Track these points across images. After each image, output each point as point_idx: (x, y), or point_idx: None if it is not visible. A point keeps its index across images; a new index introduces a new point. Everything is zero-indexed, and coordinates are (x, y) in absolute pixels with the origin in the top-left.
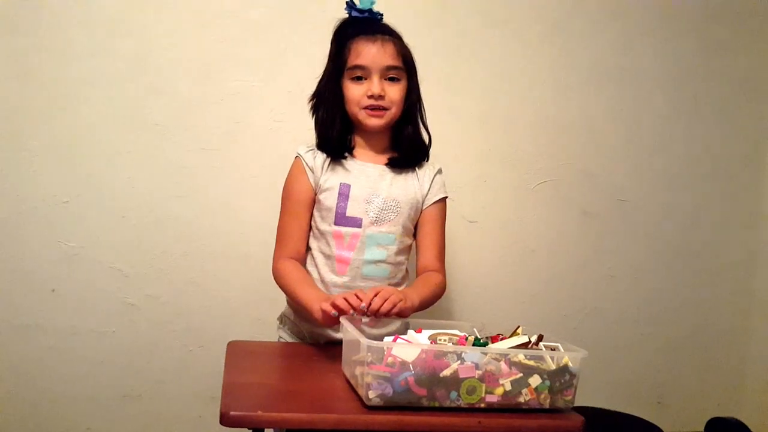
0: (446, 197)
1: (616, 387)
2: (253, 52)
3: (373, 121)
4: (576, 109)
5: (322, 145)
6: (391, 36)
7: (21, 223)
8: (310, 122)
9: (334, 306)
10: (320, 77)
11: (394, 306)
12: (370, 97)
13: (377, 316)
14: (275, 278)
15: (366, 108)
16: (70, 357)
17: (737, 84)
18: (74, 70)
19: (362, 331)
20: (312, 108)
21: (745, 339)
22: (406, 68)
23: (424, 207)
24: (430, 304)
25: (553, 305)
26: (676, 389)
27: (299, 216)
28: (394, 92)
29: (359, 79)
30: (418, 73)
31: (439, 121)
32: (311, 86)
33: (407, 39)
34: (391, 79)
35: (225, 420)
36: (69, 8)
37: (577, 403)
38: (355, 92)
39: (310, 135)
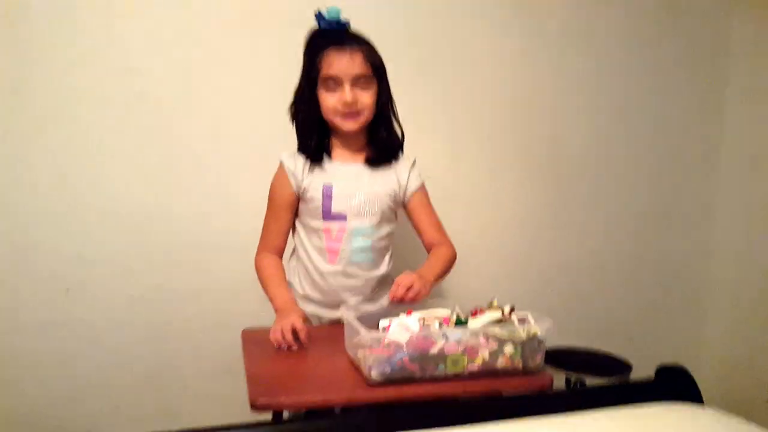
0: (423, 183)
1: (590, 327)
2: (235, 53)
3: (349, 125)
4: (543, 85)
5: (302, 150)
6: (360, 45)
7: (32, 231)
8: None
9: (276, 339)
10: (296, 88)
11: (411, 291)
12: (344, 104)
13: (400, 303)
14: (255, 270)
15: (340, 114)
16: (88, 348)
17: (698, 50)
18: (65, 80)
19: (357, 309)
20: (291, 117)
21: (706, 282)
22: (375, 74)
23: (406, 198)
24: (447, 273)
25: (527, 262)
26: (645, 328)
27: (280, 217)
28: (366, 97)
29: (332, 88)
30: (392, 59)
31: (413, 104)
32: (292, 83)
33: (375, 26)
34: (362, 86)
35: (255, 406)
36: (59, 21)
37: (557, 342)
38: (329, 101)
39: (293, 130)
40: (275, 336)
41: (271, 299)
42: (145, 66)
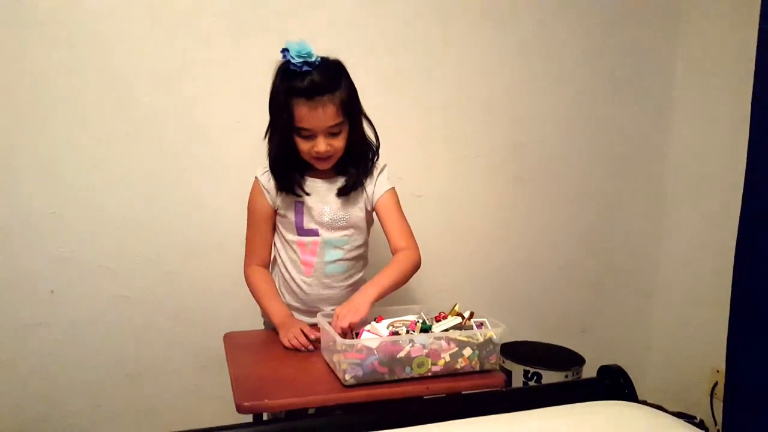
0: (393, 187)
1: (546, 321)
2: (208, 59)
3: (322, 165)
4: (503, 89)
5: (278, 185)
6: (331, 94)
7: (16, 235)
8: (266, 120)
9: (292, 344)
10: (269, 129)
11: (346, 322)
12: (317, 152)
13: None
14: (246, 282)
15: (314, 158)
16: (73, 347)
17: (647, 55)
18: (47, 89)
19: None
20: (267, 152)
21: (653, 277)
22: (346, 115)
23: (374, 202)
24: (403, 282)
25: (491, 259)
26: (596, 321)
27: (261, 229)
28: (338, 142)
29: (306, 136)
30: (364, 66)
31: (386, 109)
32: (264, 86)
33: (348, 34)
34: (335, 132)
35: (241, 410)
36: (41, 33)
37: (514, 338)
38: (303, 146)
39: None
40: (292, 343)
41: (269, 314)
42: (129, 71)
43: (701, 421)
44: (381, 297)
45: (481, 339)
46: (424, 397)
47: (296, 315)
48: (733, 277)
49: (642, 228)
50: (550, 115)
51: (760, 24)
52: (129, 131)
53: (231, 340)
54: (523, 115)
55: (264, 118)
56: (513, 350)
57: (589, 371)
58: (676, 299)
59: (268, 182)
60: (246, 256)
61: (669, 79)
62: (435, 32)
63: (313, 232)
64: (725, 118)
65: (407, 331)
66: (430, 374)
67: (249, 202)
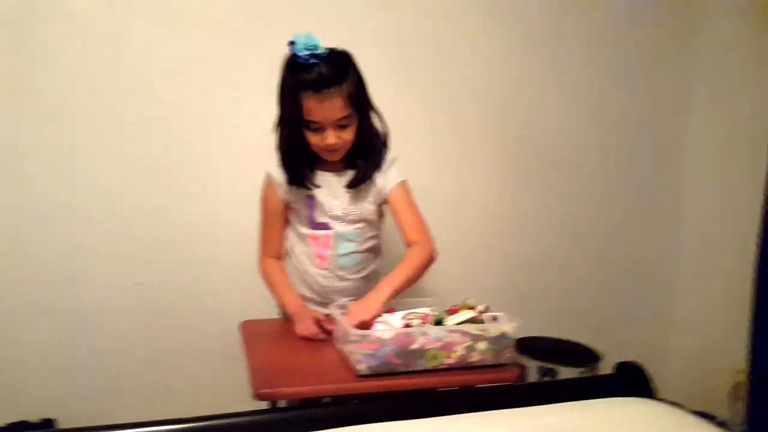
0: (404, 179)
1: (562, 317)
2: (220, 50)
3: (331, 157)
4: (512, 82)
5: (288, 179)
6: (339, 86)
7: (35, 226)
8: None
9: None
10: (278, 121)
11: (358, 320)
12: (327, 145)
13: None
14: (261, 274)
15: (323, 150)
16: (94, 333)
17: (664, 50)
18: (60, 82)
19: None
20: (276, 145)
21: (672, 275)
22: (355, 107)
23: (385, 195)
24: (417, 278)
25: (506, 253)
26: (614, 318)
27: (275, 223)
28: (347, 134)
29: (315, 129)
30: (374, 61)
31: (394, 104)
32: (275, 77)
33: (357, 28)
34: (344, 124)
35: (258, 397)
36: (53, 25)
37: (529, 333)
38: (313, 139)
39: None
40: (307, 333)
41: (283, 305)
42: (141, 61)
43: (721, 421)
44: (395, 295)
45: (496, 333)
46: (438, 390)
47: (311, 306)
48: (755, 272)
49: (661, 224)
50: (563, 111)
51: None
52: (142, 121)
53: (248, 329)
54: (534, 108)
55: (275, 110)
56: (528, 345)
57: (606, 369)
58: (696, 297)
59: (279, 177)
60: (261, 249)
61: (687, 74)
62: (446, 26)
63: (326, 226)
64: (746, 113)
65: (421, 324)
66: (443, 367)
67: (262, 198)
